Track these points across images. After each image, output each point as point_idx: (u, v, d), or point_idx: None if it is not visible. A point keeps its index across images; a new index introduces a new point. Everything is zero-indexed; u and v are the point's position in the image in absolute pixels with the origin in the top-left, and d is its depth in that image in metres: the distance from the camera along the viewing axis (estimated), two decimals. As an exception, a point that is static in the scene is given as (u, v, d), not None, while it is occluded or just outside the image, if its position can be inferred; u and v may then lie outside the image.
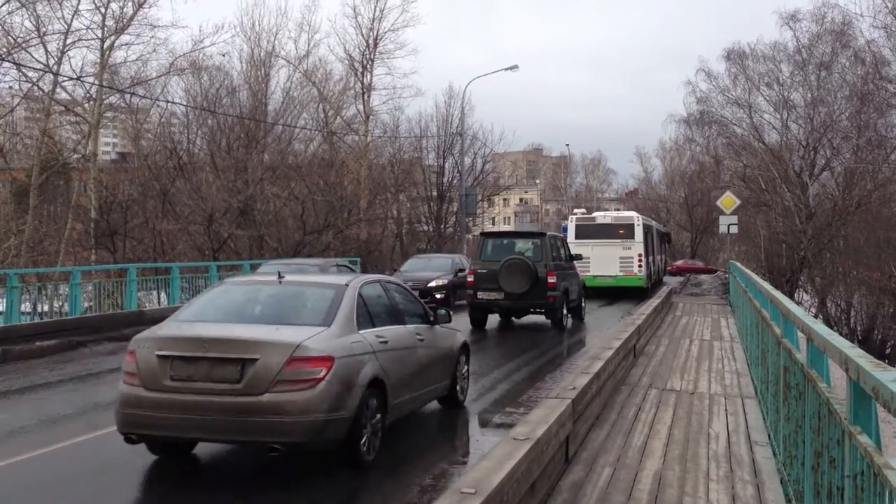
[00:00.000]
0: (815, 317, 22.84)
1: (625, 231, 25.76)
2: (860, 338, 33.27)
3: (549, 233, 18.75)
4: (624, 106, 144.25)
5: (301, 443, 5.86)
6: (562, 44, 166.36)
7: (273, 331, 6.17)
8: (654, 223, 33.36)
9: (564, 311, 16.82)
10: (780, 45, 37.98)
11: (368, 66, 41.88)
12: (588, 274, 20.93)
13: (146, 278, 19.71)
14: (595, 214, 29.46)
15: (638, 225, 26.08)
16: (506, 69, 37.10)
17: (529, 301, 16.31)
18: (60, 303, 16.61)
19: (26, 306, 15.35)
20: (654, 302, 17.66)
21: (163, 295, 20.06)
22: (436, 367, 8.03)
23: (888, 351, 32.20)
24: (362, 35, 41.73)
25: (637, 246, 25.47)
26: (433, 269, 21.46)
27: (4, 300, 14.27)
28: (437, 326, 8.31)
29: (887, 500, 2.42)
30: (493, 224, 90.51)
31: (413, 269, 22.04)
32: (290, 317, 6.62)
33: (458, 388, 8.68)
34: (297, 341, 5.90)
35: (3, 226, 30.18)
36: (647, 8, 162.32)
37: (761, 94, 39.07)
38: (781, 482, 5.59)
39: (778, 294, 6.94)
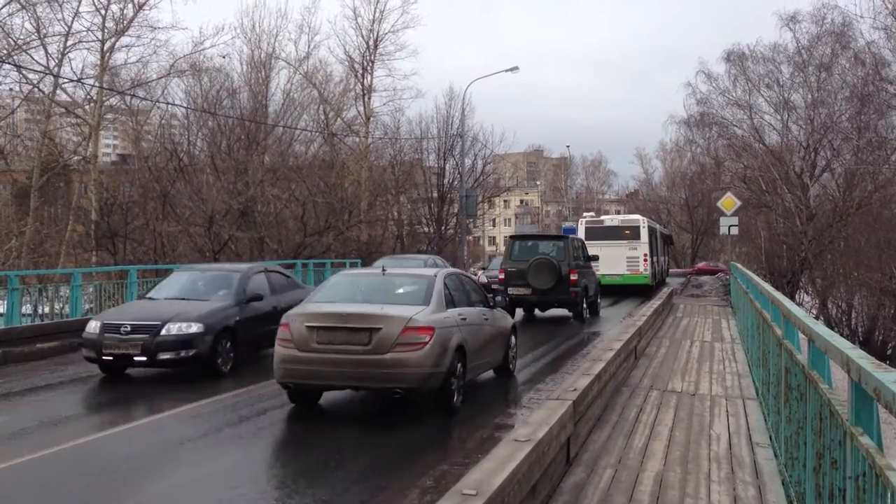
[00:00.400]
0: (816, 318, 22.91)
1: (631, 232, 27.13)
2: (861, 339, 33.25)
3: (570, 236, 20.66)
4: (624, 107, 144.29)
5: (413, 388, 8.02)
6: (562, 44, 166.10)
7: (390, 308, 8.29)
8: (657, 226, 34.36)
9: (584, 306, 18.70)
10: (780, 46, 38.02)
11: (369, 67, 41.95)
12: (597, 273, 21.92)
13: (147, 280, 19.66)
14: (603, 217, 31.37)
15: (643, 227, 27.46)
16: (506, 70, 37.21)
17: (554, 296, 18.10)
18: (61, 304, 16.60)
19: (27, 308, 15.34)
20: (654, 303, 17.66)
21: (163, 297, 20.02)
22: (496, 341, 10.18)
23: (889, 352, 32.18)
24: (362, 37, 41.83)
25: (642, 246, 26.85)
26: None
27: (5, 302, 14.24)
28: (496, 310, 10.46)
29: (889, 501, 2.41)
30: (494, 226, 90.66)
31: None
32: (397, 298, 8.80)
33: (509, 359, 10.83)
34: (409, 315, 8.04)
35: (4, 227, 30.19)
36: (648, 8, 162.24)
37: (761, 96, 39.10)
38: (783, 483, 5.59)
39: (779, 295, 6.93)
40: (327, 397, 8.96)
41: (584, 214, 33.23)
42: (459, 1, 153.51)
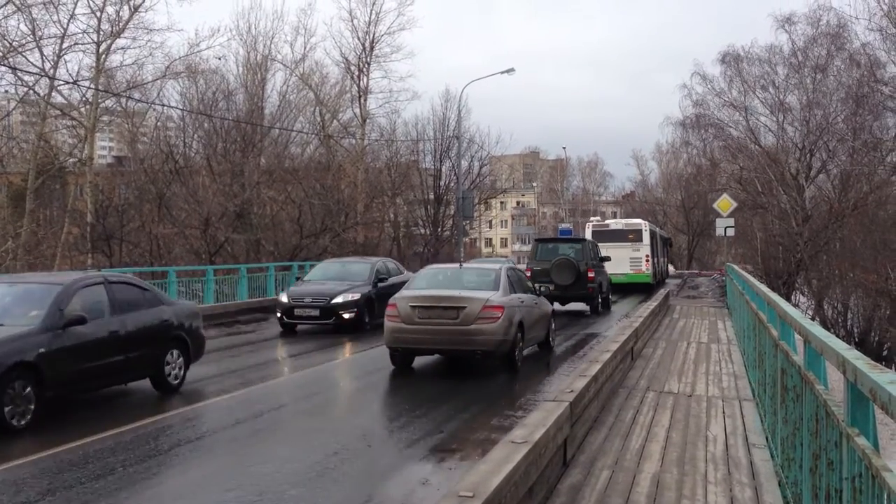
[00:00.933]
0: (812, 319, 22.95)
1: (634, 235, 29.57)
2: (857, 340, 33.33)
3: (588, 239, 24.22)
4: (621, 108, 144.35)
5: (490, 351, 10.84)
6: (560, 45, 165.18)
7: (471, 292, 11.07)
8: (658, 229, 36.03)
9: (599, 300, 21.33)
10: (775, 47, 38.09)
11: (365, 69, 41.89)
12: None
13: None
14: (608, 221, 33.96)
15: (645, 230, 30.11)
16: (502, 72, 37.27)
17: (574, 292, 20.54)
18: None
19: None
20: (651, 304, 17.70)
21: (159, 299, 19.95)
22: (542, 321, 12.76)
23: (885, 353, 32.25)
24: (358, 38, 41.76)
25: (644, 248, 29.42)
26: (346, 278, 17.28)
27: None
28: (540, 297, 13.06)
29: (885, 502, 2.42)
30: (491, 227, 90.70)
31: (320, 277, 17.93)
32: (474, 285, 11.52)
33: (551, 337, 13.54)
34: (486, 297, 10.81)
35: (0, 230, 30.10)
36: (647, 9, 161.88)
37: (757, 97, 39.14)
38: (779, 485, 5.60)
39: (775, 296, 6.94)
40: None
41: (591, 218, 35.80)
42: (458, 2, 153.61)
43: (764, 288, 8.62)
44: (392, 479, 6.48)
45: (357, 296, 16.46)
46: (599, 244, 25.61)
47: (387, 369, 11.49)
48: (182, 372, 10.07)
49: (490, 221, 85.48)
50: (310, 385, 11.04)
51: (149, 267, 25.71)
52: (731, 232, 28.21)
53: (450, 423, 8.30)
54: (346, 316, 16.14)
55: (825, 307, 37.05)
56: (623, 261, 27.99)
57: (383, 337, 11.24)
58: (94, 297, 9.03)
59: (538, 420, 5.58)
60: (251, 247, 30.93)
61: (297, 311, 16.31)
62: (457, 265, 12.70)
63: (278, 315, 16.64)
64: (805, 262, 36.21)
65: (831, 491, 3.34)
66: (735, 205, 28.74)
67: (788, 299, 31.45)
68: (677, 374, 11.03)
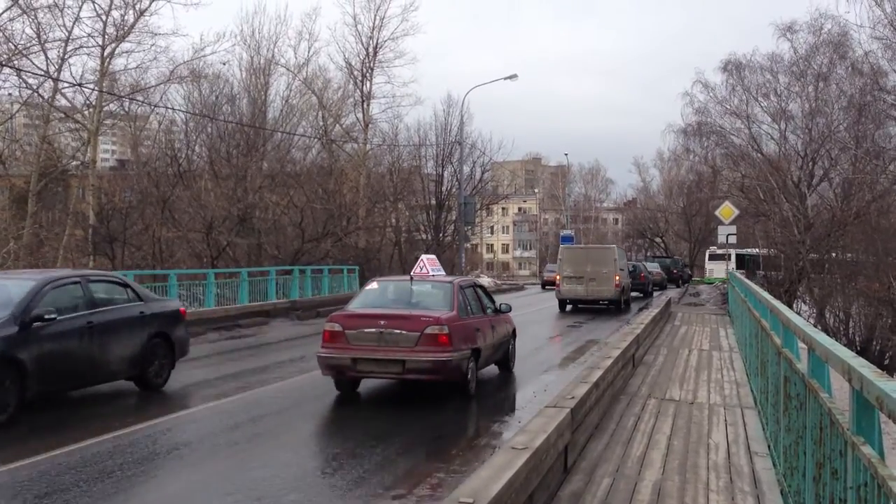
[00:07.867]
0: (814, 327, 22.83)
1: (728, 257, 42.91)
2: (859, 348, 33.16)
3: (676, 257, 44.97)
4: (626, 116, 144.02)
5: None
6: (572, 52, 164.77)
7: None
8: (749, 251, 48.21)
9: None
10: (777, 56, 38.07)
11: (368, 74, 42.00)
12: (714, 275, 47.88)
13: (144, 285, 19.62)
14: (718, 251, 48.41)
15: (732, 254, 41.19)
16: (505, 78, 37.33)
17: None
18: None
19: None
20: (652, 312, 17.67)
21: (160, 302, 19.95)
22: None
23: (887, 362, 32.12)
24: (362, 43, 41.90)
25: (731, 264, 41.86)
26: None
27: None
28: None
29: (892, 511, 2.39)
30: (492, 233, 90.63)
31: None
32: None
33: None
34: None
35: (2, 231, 30.12)
36: (656, 18, 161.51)
37: (759, 105, 39.10)
38: (782, 493, 5.56)
39: (778, 304, 6.91)
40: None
41: (710, 248, 52.64)
42: (469, 9, 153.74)
43: (766, 295, 8.58)
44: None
45: None
46: (713, 261, 50.21)
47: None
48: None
49: (492, 227, 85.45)
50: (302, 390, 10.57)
51: (150, 270, 25.71)
52: (732, 239, 28.34)
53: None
54: None
55: (827, 316, 36.90)
56: (722, 270, 42.67)
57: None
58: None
59: (539, 426, 5.55)
60: (253, 251, 30.93)
61: None
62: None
63: None
64: (807, 270, 36.14)
65: (835, 500, 3.31)
66: (737, 212, 28.88)
67: (790, 307, 31.35)
68: (679, 381, 10.99)
